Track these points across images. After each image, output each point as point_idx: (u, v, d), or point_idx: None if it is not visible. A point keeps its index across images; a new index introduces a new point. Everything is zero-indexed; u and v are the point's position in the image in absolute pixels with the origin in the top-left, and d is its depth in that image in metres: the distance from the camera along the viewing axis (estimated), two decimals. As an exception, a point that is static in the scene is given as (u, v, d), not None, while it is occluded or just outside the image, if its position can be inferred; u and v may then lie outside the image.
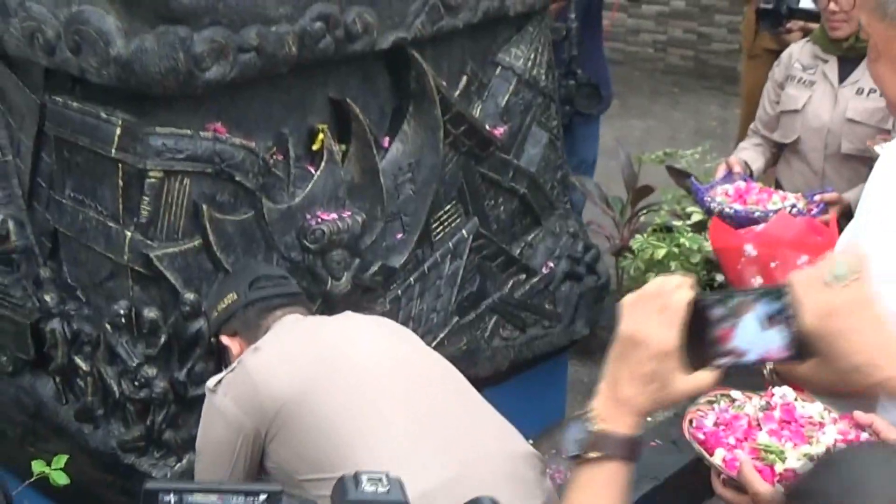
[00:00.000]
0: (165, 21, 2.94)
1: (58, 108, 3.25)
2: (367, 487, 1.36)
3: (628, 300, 1.64)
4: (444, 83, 3.72)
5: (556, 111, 4.28)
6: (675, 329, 1.58)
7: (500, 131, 3.94)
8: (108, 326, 3.22)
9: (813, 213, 3.90)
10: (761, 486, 1.79)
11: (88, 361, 3.31)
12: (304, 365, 2.59)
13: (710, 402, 2.16)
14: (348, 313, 2.92)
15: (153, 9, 2.95)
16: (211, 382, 2.70)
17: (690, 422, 2.07)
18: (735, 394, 2.18)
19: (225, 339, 2.92)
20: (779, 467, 1.94)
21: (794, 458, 1.95)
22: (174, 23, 2.94)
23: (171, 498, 1.31)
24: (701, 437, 2.00)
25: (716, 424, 2.07)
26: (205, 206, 3.15)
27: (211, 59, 2.98)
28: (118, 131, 3.08)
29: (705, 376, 1.62)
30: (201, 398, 3.22)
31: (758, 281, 2.81)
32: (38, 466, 2.94)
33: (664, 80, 10.57)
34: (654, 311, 1.60)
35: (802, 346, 1.58)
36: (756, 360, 1.63)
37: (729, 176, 4.22)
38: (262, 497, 1.31)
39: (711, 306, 1.61)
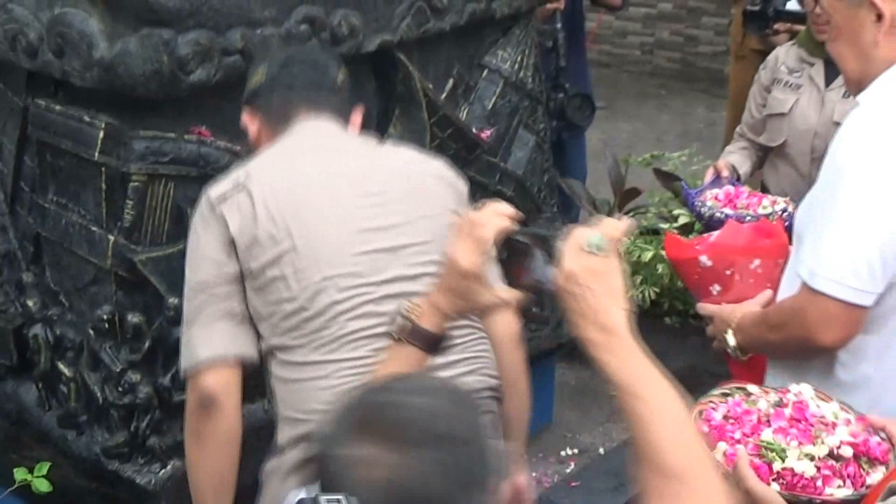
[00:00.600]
0: (149, 23, 2.92)
1: (40, 111, 3.23)
2: None
3: (455, 226, 2.02)
4: (431, 86, 3.70)
5: (543, 114, 4.26)
6: (479, 255, 1.97)
7: (486, 134, 3.92)
8: (91, 332, 3.20)
9: (802, 217, 3.90)
10: (755, 483, 1.87)
11: (72, 367, 3.28)
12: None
13: (725, 395, 2.15)
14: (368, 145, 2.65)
15: (136, 11, 2.92)
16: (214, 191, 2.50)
17: (700, 413, 2.06)
18: (752, 388, 2.18)
19: (246, 116, 2.69)
20: (777, 465, 1.96)
21: (795, 458, 1.95)
22: (158, 25, 2.91)
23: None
24: (705, 429, 2.01)
25: (725, 417, 2.07)
26: (189, 210, 3.12)
27: (195, 61, 2.96)
28: (101, 134, 3.06)
29: (506, 292, 2.01)
30: (185, 404, 3.21)
31: (716, 290, 2.83)
32: (20, 474, 2.92)
33: (651, 83, 10.56)
34: (468, 238, 1.98)
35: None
36: (551, 290, 1.86)
37: (717, 180, 4.21)
38: None
39: (518, 240, 1.93)
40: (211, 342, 2.40)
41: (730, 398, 2.14)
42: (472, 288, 2.00)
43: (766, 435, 2.00)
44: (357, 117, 2.71)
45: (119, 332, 3.17)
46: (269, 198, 2.38)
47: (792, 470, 1.95)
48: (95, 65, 2.94)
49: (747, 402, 2.13)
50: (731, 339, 2.62)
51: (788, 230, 3.90)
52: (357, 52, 3.38)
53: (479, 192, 3.99)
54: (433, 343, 2.06)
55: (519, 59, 4.02)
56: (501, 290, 2.01)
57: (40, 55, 3.07)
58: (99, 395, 3.21)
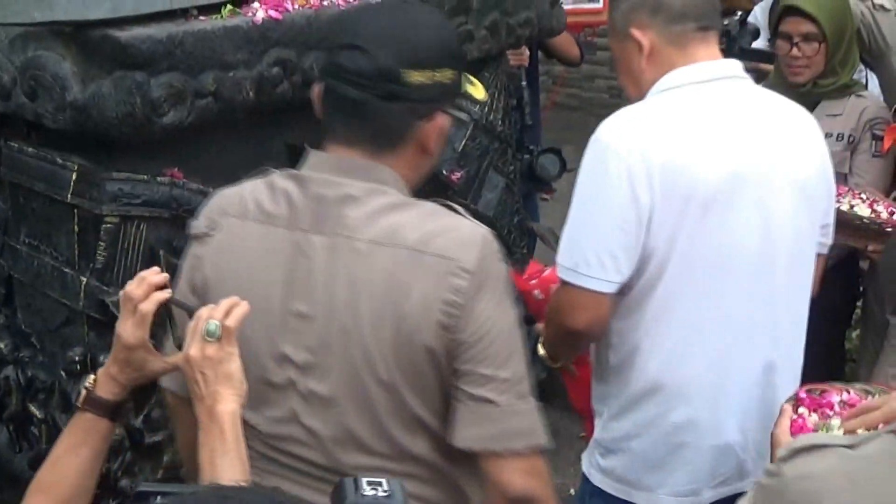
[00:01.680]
0: (122, 66, 2.94)
1: (13, 153, 3.24)
2: (367, 491, 1.31)
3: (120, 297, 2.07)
4: (402, 128, 3.72)
5: (513, 156, 4.30)
6: (142, 328, 2.03)
7: (457, 176, 3.95)
8: (62, 373, 3.19)
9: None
10: (779, 429, 2.15)
11: (43, 409, 3.27)
12: None
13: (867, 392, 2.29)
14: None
15: (109, 54, 2.94)
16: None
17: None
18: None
19: (315, 90, 2.18)
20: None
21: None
22: (131, 68, 2.93)
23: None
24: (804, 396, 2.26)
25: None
26: (161, 252, 3.14)
27: (168, 104, 2.98)
28: (74, 176, 3.07)
29: (175, 358, 2.03)
30: (159, 445, 3.20)
31: None
32: (-10, 516, 2.90)
33: (619, 126, 10.62)
34: (130, 313, 2.03)
35: None
36: None
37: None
38: None
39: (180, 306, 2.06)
40: None
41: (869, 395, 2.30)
42: (141, 358, 2.07)
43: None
44: None
45: (91, 373, 3.16)
46: None
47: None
48: (68, 107, 2.95)
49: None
50: (541, 350, 2.82)
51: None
52: (329, 94, 3.40)
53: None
54: (109, 410, 2.10)
55: (489, 101, 4.06)
56: (172, 357, 2.07)
57: (13, 97, 3.08)
58: (70, 436, 3.20)
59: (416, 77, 2.05)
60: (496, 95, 4.09)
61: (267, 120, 3.36)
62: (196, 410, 1.93)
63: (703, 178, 2.45)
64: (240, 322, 1.96)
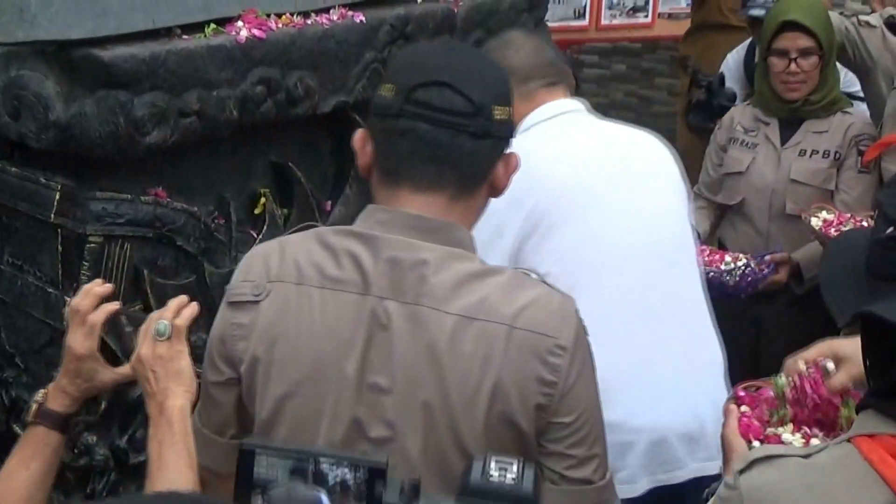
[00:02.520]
0: (105, 85, 2.93)
1: (-4, 173, 3.23)
2: (494, 473, 1.23)
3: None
4: (387, 146, 3.72)
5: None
6: (91, 339, 2.12)
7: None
8: (47, 394, 3.17)
9: (764, 272, 3.96)
10: (728, 430, 2.15)
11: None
12: None
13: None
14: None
15: (93, 73, 2.93)
16: None
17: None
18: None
19: (358, 136, 2.06)
20: (770, 430, 2.22)
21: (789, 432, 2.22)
22: (114, 87, 2.93)
23: (266, 458, 1.24)
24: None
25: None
26: (146, 271, 3.13)
27: (151, 123, 2.97)
28: (57, 196, 3.05)
29: (123, 370, 2.13)
30: (143, 465, 3.18)
31: None
32: (-26, 538, 2.88)
33: (606, 143, 10.64)
34: (79, 325, 2.13)
35: None
36: None
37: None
38: (363, 471, 1.20)
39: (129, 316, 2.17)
40: None
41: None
42: (91, 369, 2.13)
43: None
44: None
45: (75, 393, 3.15)
46: None
47: (779, 437, 2.11)
48: (51, 126, 2.94)
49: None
50: None
51: (751, 286, 3.98)
52: (313, 113, 3.41)
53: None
54: (60, 422, 2.16)
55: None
56: (122, 368, 2.13)
57: (-4, 117, 3.07)
58: (54, 457, 3.18)
59: (501, 113, 1.98)
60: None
61: (251, 138, 3.37)
62: (147, 407, 2.03)
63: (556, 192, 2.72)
64: (189, 321, 2.07)
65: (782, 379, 2.26)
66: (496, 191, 2.04)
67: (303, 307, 1.95)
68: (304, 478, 1.21)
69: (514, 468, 1.19)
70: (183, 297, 2.07)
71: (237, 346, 2.00)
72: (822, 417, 2.21)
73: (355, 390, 1.93)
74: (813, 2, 4.28)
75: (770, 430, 2.20)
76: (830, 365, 2.20)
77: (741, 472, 1.73)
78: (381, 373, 1.92)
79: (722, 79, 5.19)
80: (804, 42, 4.08)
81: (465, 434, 1.90)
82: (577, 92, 3.10)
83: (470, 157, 1.95)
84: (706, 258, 4.04)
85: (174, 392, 2.01)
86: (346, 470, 1.17)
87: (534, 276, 2.05)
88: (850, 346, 2.22)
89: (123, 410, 3.16)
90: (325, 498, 1.18)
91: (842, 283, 1.89)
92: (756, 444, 2.16)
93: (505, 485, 1.17)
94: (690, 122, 5.46)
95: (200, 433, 2.09)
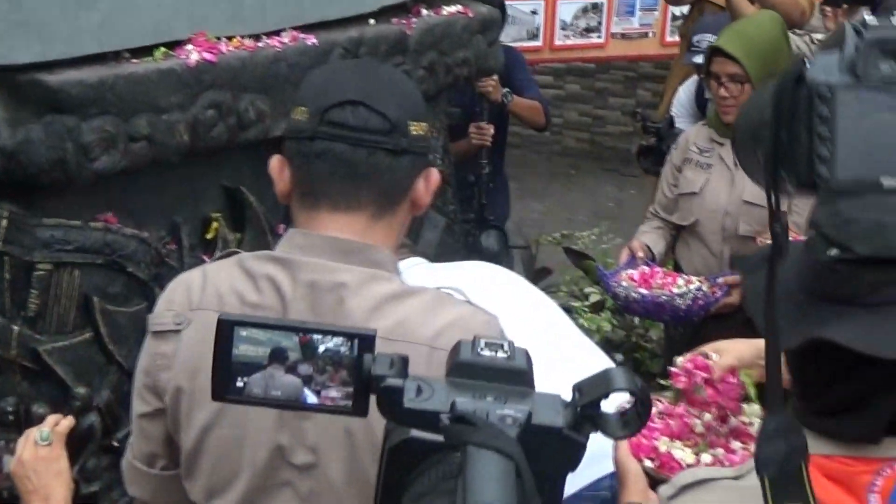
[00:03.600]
0: (52, 110, 2.89)
1: (-58, 200, 3.17)
2: (485, 352, 1.15)
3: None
4: (340, 169, 3.70)
5: (453, 195, 4.28)
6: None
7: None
8: (-5, 424, 3.13)
9: (717, 295, 3.96)
10: (620, 452, 2.17)
11: (-25, 460, 3.20)
12: None
13: None
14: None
15: (40, 98, 2.89)
16: None
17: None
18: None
19: (275, 163, 2.00)
20: (661, 447, 2.32)
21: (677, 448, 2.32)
22: (61, 112, 2.88)
23: (246, 332, 1.16)
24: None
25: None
26: (95, 299, 3.08)
27: (100, 148, 2.93)
28: (5, 223, 3.00)
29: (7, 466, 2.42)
30: (95, 496, 3.14)
31: None
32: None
33: (561, 163, 10.69)
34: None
35: None
36: None
37: (633, 260, 4.25)
38: (354, 343, 1.11)
39: None
40: None
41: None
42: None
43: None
44: None
45: (24, 423, 3.09)
46: None
47: (670, 454, 2.12)
48: (-2, 153, 2.90)
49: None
50: None
51: (703, 309, 3.98)
52: (265, 136, 3.38)
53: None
54: None
55: (428, 141, 4.04)
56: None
57: (-58, 144, 3.02)
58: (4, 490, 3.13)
59: (417, 129, 1.95)
60: (434, 136, 4.07)
61: (202, 163, 3.33)
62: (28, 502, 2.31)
63: None
64: (66, 430, 2.41)
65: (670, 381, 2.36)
66: (417, 207, 2.01)
67: None
68: (287, 356, 1.14)
69: (505, 346, 1.12)
70: (58, 416, 2.43)
71: (161, 376, 1.97)
72: (722, 400, 2.26)
73: (277, 417, 1.90)
74: (748, 30, 4.31)
75: (663, 448, 2.25)
76: (712, 354, 2.25)
77: (671, 498, 1.71)
78: None
79: (671, 122, 5.24)
80: (731, 68, 4.11)
81: None
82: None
83: (388, 175, 1.92)
84: (659, 281, 4.04)
85: (56, 487, 2.34)
86: (338, 341, 1.11)
87: (458, 295, 2.01)
88: (726, 343, 2.44)
89: (73, 440, 3.11)
90: (306, 391, 1.13)
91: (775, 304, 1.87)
92: (648, 462, 2.19)
93: (497, 359, 1.10)
94: (642, 167, 5.52)
95: (132, 466, 2.08)
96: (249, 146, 3.41)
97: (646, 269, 4.14)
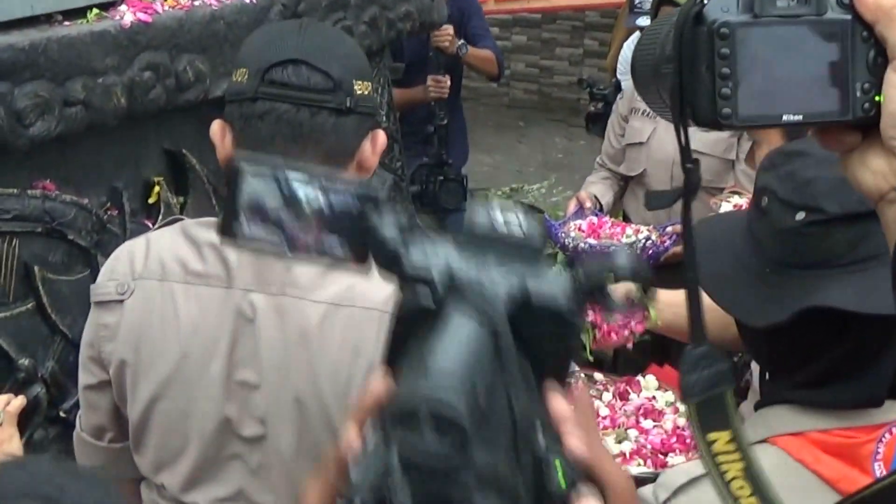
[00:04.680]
0: (-16, 77, 2.82)
1: None
2: (498, 220, 1.05)
3: None
4: (283, 129, 3.65)
5: (400, 151, 4.24)
6: None
7: (342, 174, 3.88)
8: (-62, 398, 3.07)
9: (666, 244, 3.94)
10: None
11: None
12: None
13: None
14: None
15: (-30, 65, 2.82)
16: None
17: None
18: (598, 376, 2.50)
19: (216, 127, 2.00)
20: None
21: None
22: (-7, 78, 2.82)
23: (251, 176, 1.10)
24: None
25: None
26: (36, 268, 3.02)
27: (34, 114, 2.86)
28: (-61, 194, 2.94)
29: None
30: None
31: None
32: None
33: (509, 115, 10.66)
34: None
35: None
36: None
37: (580, 211, 4.23)
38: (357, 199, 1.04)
39: None
40: None
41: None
42: None
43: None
44: None
45: (-33, 397, 3.05)
46: None
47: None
48: (-71, 121, 2.83)
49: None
50: None
51: (653, 259, 3.96)
52: (205, 97, 3.31)
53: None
54: None
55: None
56: None
57: None
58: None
59: (362, 89, 1.90)
60: (379, 91, 4.02)
61: (142, 126, 3.27)
62: None
63: None
64: (18, 410, 2.41)
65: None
66: (364, 170, 1.97)
67: (166, 305, 1.89)
68: (293, 202, 1.08)
69: (521, 220, 1.04)
70: (9, 395, 2.46)
71: (105, 347, 1.95)
72: (630, 319, 2.34)
73: (223, 388, 1.87)
74: None
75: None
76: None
77: (668, 501, 1.68)
78: (249, 368, 1.86)
79: (617, 86, 5.26)
80: None
81: (341, 427, 1.84)
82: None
83: (333, 135, 1.87)
84: (607, 231, 4.03)
85: None
86: (346, 196, 1.05)
87: None
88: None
89: (20, 413, 3.06)
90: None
91: (737, 282, 1.81)
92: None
93: (510, 229, 1.03)
94: (592, 133, 5.53)
95: (80, 438, 2.06)
96: (190, 108, 3.34)
97: (594, 219, 4.13)
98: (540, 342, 0.99)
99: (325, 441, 1.83)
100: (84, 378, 2.02)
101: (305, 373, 1.83)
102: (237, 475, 1.92)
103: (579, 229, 4.08)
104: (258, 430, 1.88)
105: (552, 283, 1.00)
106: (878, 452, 1.67)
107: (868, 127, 1.01)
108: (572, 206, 4.30)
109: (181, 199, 3.43)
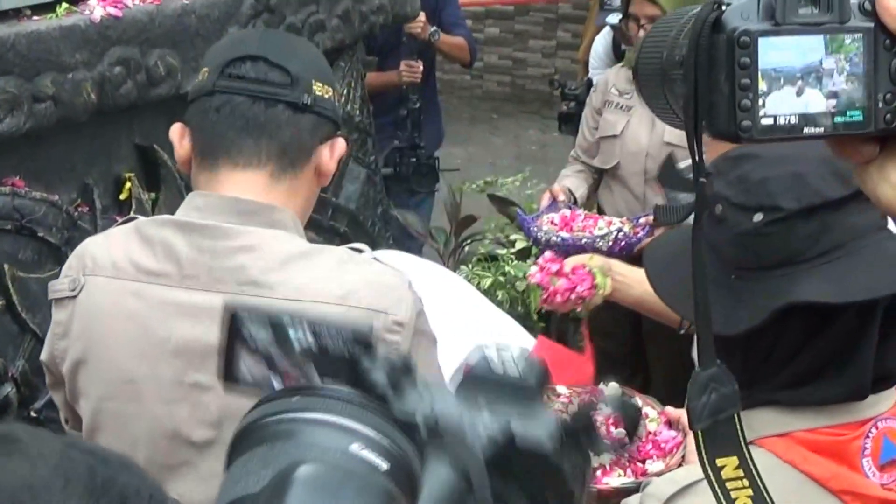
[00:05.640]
0: (-49, 72, 2.78)
1: None
2: (494, 361, 1.06)
3: None
4: (256, 123, 3.63)
5: (373, 145, 4.22)
6: None
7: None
8: None
9: (639, 236, 3.93)
10: None
11: None
12: None
13: None
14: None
15: (-63, 60, 2.79)
16: None
17: None
18: (561, 388, 2.49)
19: (175, 129, 1.99)
20: None
21: None
22: (-39, 74, 2.78)
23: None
24: None
25: None
26: (6, 266, 2.99)
27: (3, 110, 2.82)
28: None
29: None
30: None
31: None
32: None
33: (483, 107, 10.65)
34: None
35: None
36: None
37: (554, 204, 4.22)
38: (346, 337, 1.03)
39: None
40: None
41: None
42: None
43: None
44: None
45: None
46: None
47: None
48: None
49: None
50: None
51: (626, 250, 3.96)
52: (176, 92, 3.28)
53: (313, 228, 3.92)
54: None
55: (346, 92, 3.98)
56: None
57: None
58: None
59: (322, 90, 1.90)
60: (353, 85, 4.00)
61: (113, 121, 3.23)
62: None
63: None
64: None
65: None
66: (323, 177, 1.96)
67: (116, 303, 1.86)
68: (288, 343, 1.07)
69: (516, 359, 1.05)
70: None
71: (59, 345, 1.92)
72: (577, 284, 2.39)
73: (174, 390, 1.84)
74: None
75: None
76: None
77: None
78: (200, 370, 1.82)
79: (589, 84, 5.26)
80: (650, 10, 4.07)
81: None
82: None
83: (288, 130, 1.86)
84: (580, 224, 4.02)
85: None
86: (337, 340, 1.05)
87: (365, 253, 1.96)
88: None
89: (-10, 412, 3.04)
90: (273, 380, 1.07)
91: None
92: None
93: (505, 370, 1.04)
94: (565, 133, 5.55)
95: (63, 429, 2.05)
96: (161, 103, 3.31)
97: (566, 212, 4.12)
98: (531, 480, 0.98)
99: None
100: (47, 377, 2.01)
101: None
102: (186, 482, 1.87)
103: (552, 223, 4.07)
104: (209, 433, 1.84)
105: (538, 426, 0.99)
106: (865, 448, 1.67)
107: (887, 138, 0.98)
108: (545, 200, 4.29)
109: (153, 194, 3.40)
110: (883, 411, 1.71)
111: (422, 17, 5.42)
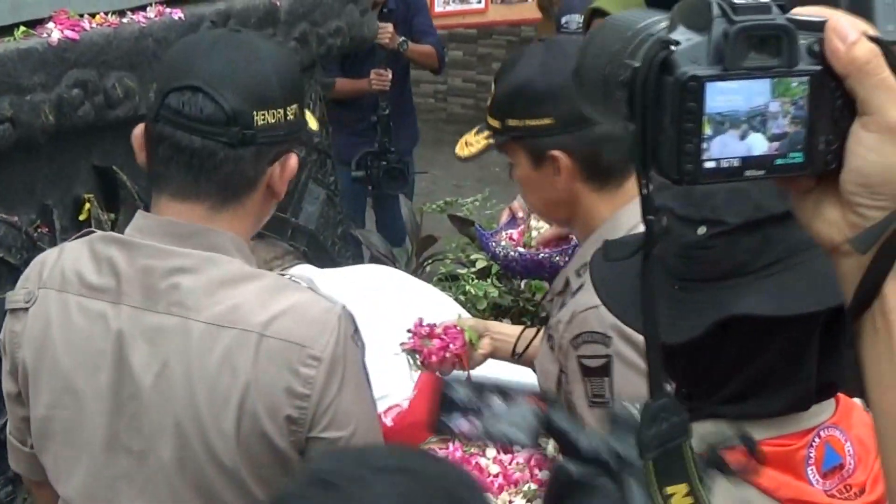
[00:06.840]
0: None
1: None
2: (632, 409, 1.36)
3: None
4: (215, 144, 3.65)
5: (333, 167, 4.26)
6: None
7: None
8: None
9: (596, 251, 3.98)
10: None
11: None
12: None
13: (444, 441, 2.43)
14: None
15: None
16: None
17: None
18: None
19: (137, 132, 1.94)
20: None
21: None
22: (-81, 96, 2.81)
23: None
24: None
25: None
26: (-35, 287, 3.01)
27: (-38, 132, 2.86)
28: None
29: None
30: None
31: None
32: None
33: (447, 130, 10.68)
34: None
35: None
36: None
37: (513, 221, 4.25)
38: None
39: None
40: None
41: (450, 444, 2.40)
42: None
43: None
44: None
45: None
46: None
47: (478, 462, 2.23)
48: None
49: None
50: None
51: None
52: (134, 114, 3.31)
53: (271, 248, 3.96)
54: None
55: (304, 113, 4.01)
56: None
57: None
58: None
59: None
60: (311, 107, 4.03)
61: (71, 143, 3.27)
62: None
63: None
64: None
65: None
66: (275, 195, 1.96)
67: (63, 315, 1.90)
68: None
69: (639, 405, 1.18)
70: None
71: (16, 354, 1.96)
72: (450, 343, 2.44)
73: (112, 402, 1.87)
74: None
75: (467, 453, 2.33)
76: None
77: None
78: (133, 384, 1.85)
79: None
80: None
81: (219, 449, 1.83)
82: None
83: (228, 167, 1.85)
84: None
85: None
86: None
87: (303, 282, 1.97)
88: None
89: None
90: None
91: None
92: None
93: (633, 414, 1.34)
94: None
95: (10, 441, 2.08)
96: (120, 125, 3.34)
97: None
98: None
99: (206, 463, 1.85)
100: (5, 385, 2.04)
101: (185, 393, 1.83)
102: (125, 492, 1.91)
103: (511, 238, 4.09)
104: (144, 444, 1.88)
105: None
106: (809, 457, 1.69)
107: (824, 173, 0.99)
108: (505, 216, 4.32)
109: (112, 215, 3.43)
110: (825, 420, 1.73)
111: (389, 28, 5.74)
